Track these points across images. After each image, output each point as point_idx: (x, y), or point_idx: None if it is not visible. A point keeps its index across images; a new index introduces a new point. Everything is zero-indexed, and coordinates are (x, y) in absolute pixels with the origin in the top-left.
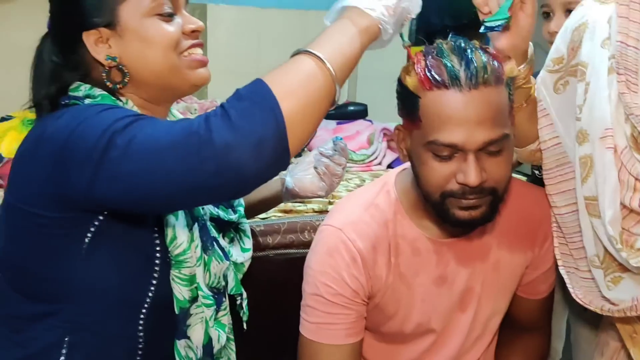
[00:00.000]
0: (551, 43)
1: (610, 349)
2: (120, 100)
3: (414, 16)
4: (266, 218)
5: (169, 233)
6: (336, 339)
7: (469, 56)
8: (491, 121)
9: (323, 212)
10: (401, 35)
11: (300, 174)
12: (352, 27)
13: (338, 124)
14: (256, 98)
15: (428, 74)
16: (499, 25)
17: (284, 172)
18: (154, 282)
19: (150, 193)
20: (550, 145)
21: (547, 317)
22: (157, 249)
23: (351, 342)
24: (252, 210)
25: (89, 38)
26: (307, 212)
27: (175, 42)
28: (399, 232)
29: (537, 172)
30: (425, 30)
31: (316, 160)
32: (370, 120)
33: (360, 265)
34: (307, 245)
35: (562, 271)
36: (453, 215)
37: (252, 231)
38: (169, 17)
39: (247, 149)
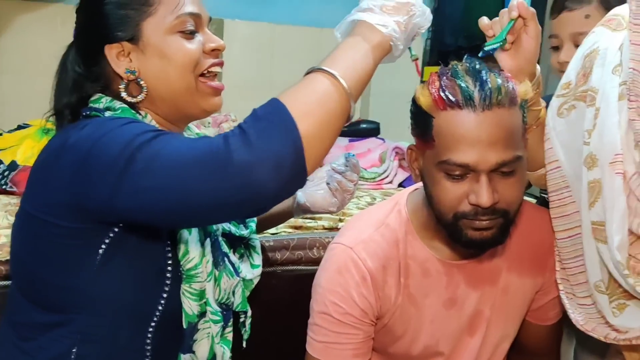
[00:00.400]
0: (562, 72)
1: None
2: (140, 114)
3: (424, 30)
4: (276, 233)
5: (182, 247)
6: (343, 358)
7: (484, 77)
8: (504, 142)
9: (333, 229)
10: (409, 49)
11: (311, 189)
12: (365, 44)
13: (350, 141)
14: (274, 118)
15: (442, 94)
16: (493, 49)
17: None
18: (165, 295)
19: (172, 208)
20: (550, 169)
21: (555, 344)
22: (169, 262)
23: None
24: (263, 225)
25: (111, 51)
26: (316, 229)
27: (194, 60)
28: (410, 252)
29: (545, 195)
30: (438, 51)
31: (328, 176)
32: (382, 139)
33: (370, 285)
34: (315, 262)
35: (562, 296)
36: (465, 236)
37: (261, 247)
38: (190, 34)
39: (266, 168)
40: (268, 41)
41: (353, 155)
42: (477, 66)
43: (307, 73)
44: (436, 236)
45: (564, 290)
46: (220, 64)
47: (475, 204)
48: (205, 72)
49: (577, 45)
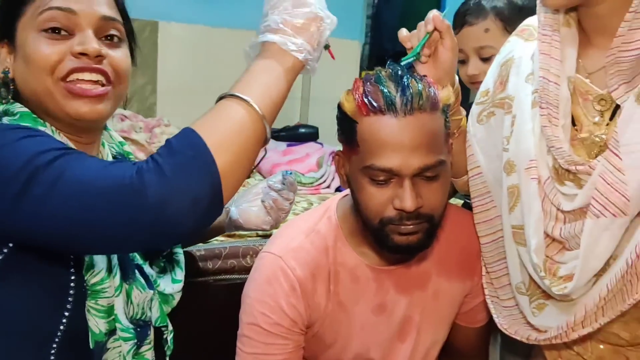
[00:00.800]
0: (472, 84)
1: None
2: (42, 119)
3: (329, 32)
4: (207, 242)
5: (86, 260)
6: None
7: (405, 83)
8: (426, 147)
9: (267, 236)
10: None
11: (245, 205)
12: (278, 66)
13: (288, 145)
14: (190, 152)
15: (365, 99)
16: (409, 62)
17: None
18: (67, 314)
19: (73, 238)
20: (471, 175)
21: (484, 345)
22: (72, 277)
23: None
24: (192, 241)
25: (1, 50)
26: (250, 237)
27: (49, 63)
28: (339, 259)
29: (469, 201)
30: (377, 56)
31: (264, 193)
32: (321, 143)
33: (300, 294)
34: (249, 270)
35: (487, 300)
36: (391, 241)
37: (192, 256)
38: (56, 33)
39: (182, 206)
40: (204, 44)
41: (291, 173)
42: (400, 72)
43: (220, 98)
44: (365, 242)
45: (489, 295)
46: (85, 70)
47: (400, 208)
48: (70, 77)
49: (481, 58)
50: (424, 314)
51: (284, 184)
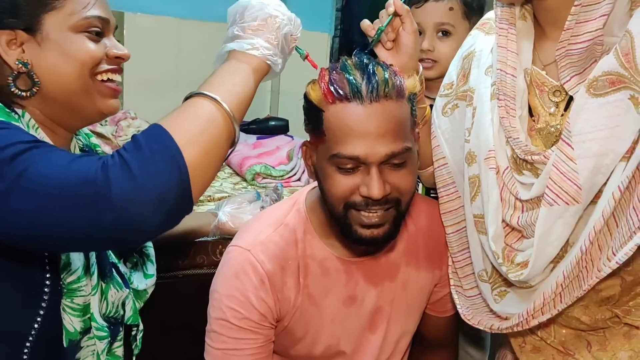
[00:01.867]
0: (420, 60)
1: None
2: (16, 113)
3: (298, 36)
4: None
5: (62, 259)
6: None
7: (371, 70)
8: (393, 134)
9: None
10: (297, 49)
11: (233, 210)
12: (243, 66)
13: (258, 138)
14: (157, 147)
15: (331, 87)
16: (372, 42)
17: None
18: (42, 312)
19: (38, 236)
20: (437, 166)
21: (454, 334)
22: (47, 275)
23: None
24: (172, 241)
25: (1, 37)
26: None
27: (95, 61)
28: (309, 251)
29: (434, 194)
30: (347, 49)
31: (264, 201)
32: (291, 136)
33: (269, 287)
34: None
35: (452, 290)
36: (355, 233)
37: (160, 249)
38: (96, 36)
39: (148, 203)
40: (173, 37)
41: (282, 185)
42: (366, 60)
43: (187, 98)
44: (334, 234)
45: (454, 285)
46: (119, 72)
47: (367, 196)
48: (103, 77)
49: (437, 33)
50: (394, 304)
51: (276, 194)
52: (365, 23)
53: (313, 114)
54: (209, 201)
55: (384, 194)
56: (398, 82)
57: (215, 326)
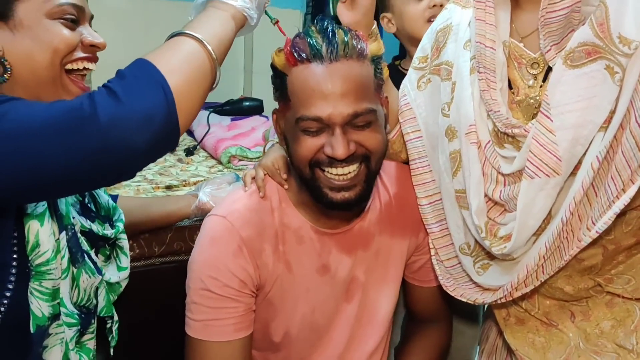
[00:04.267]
0: (430, 19)
1: (493, 333)
2: None
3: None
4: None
5: (31, 239)
6: (225, 335)
7: (330, 32)
8: (355, 94)
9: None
10: (267, 13)
11: (216, 191)
12: (222, 13)
13: (232, 119)
14: (141, 74)
15: (292, 49)
16: (334, 2)
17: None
18: (8, 294)
19: (23, 177)
20: (413, 137)
21: (444, 307)
22: (14, 256)
23: (241, 336)
24: (151, 225)
25: None
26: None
27: (69, 48)
28: (285, 220)
29: None
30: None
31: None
32: (266, 117)
33: (247, 253)
34: None
35: (433, 260)
36: (326, 196)
37: (136, 237)
38: (71, 23)
39: (135, 122)
40: (141, 17)
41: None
42: (327, 24)
43: (169, 38)
44: (307, 204)
45: (434, 254)
46: (93, 60)
47: (331, 155)
48: (76, 64)
49: None
50: (369, 273)
51: None
52: None
53: (278, 80)
54: (184, 186)
55: (348, 153)
56: (359, 44)
57: (195, 297)
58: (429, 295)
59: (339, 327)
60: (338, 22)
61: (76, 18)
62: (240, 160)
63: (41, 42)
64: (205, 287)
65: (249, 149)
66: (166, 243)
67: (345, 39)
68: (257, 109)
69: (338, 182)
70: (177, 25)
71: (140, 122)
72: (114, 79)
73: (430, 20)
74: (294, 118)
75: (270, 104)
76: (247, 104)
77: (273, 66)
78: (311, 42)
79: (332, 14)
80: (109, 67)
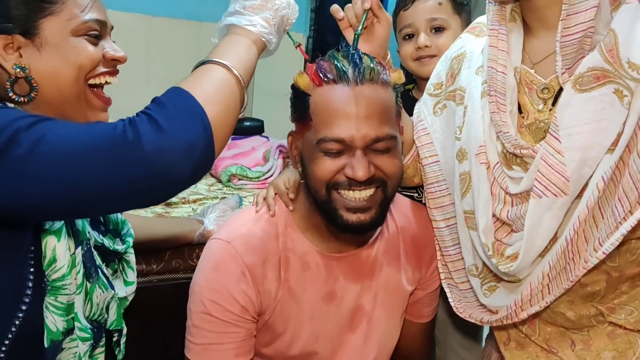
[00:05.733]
0: (417, 60)
1: (493, 356)
2: None
3: (293, 21)
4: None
5: (48, 254)
6: (225, 359)
7: (357, 57)
8: (378, 118)
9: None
10: (289, 35)
11: (219, 219)
12: (244, 39)
13: (233, 139)
14: (180, 104)
15: (318, 70)
16: (354, 40)
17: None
18: (24, 308)
19: (60, 200)
20: (431, 162)
21: (426, 346)
22: (31, 270)
23: None
24: (153, 245)
25: (10, 43)
26: None
27: (93, 64)
28: (289, 245)
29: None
30: (320, 49)
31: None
32: (266, 137)
33: (249, 279)
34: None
35: (443, 284)
36: (341, 217)
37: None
38: (96, 39)
39: (177, 152)
40: (143, 34)
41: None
42: (352, 50)
43: (198, 66)
44: (316, 228)
45: (445, 278)
46: (115, 74)
47: (351, 177)
48: (99, 79)
49: (430, 30)
50: (375, 303)
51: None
52: (334, 7)
53: (300, 101)
54: (183, 203)
55: (369, 175)
56: (383, 70)
57: (196, 320)
58: (416, 331)
59: (343, 357)
60: None
61: (99, 33)
62: (240, 179)
63: (67, 59)
64: (206, 311)
65: (249, 169)
66: (165, 260)
67: (372, 64)
68: (257, 129)
69: (354, 203)
70: (179, 43)
71: (183, 152)
72: (153, 107)
73: (418, 59)
74: (315, 138)
75: (270, 125)
76: (248, 123)
77: (295, 87)
78: (337, 64)
79: (360, 28)
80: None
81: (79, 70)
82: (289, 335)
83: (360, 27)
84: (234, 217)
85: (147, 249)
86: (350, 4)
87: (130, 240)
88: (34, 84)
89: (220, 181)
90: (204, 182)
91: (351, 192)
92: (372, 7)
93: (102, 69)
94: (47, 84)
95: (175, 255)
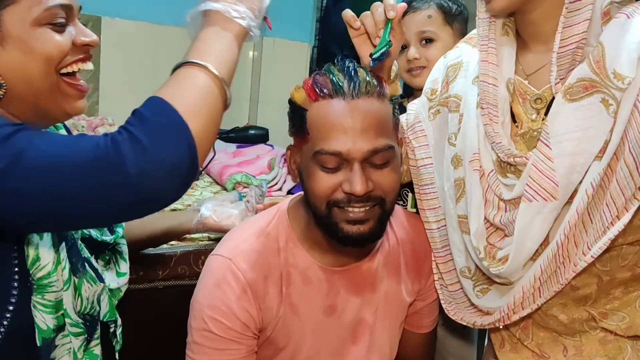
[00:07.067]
0: (409, 71)
1: (490, 358)
2: None
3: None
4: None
5: (31, 253)
6: None
7: (353, 71)
8: (374, 130)
9: (219, 239)
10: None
11: (216, 206)
12: (226, 34)
13: (238, 147)
14: (163, 120)
15: (314, 85)
16: (383, 52)
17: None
18: (11, 308)
19: (41, 215)
20: (427, 163)
21: (429, 354)
22: (16, 270)
23: None
24: (152, 242)
25: None
26: (201, 240)
27: (63, 53)
28: (291, 260)
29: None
30: (324, 60)
31: (249, 196)
32: (271, 145)
33: (251, 296)
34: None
35: (436, 285)
36: (341, 230)
37: (140, 260)
38: (61, 27)
39: (162, 172)
40: (150, 42)
41: (266, 182)
42: (348, 63)
43: (178, 67)
44: (316, 242)
45: (437, 279)
46: (88, 59)
47: (349, 192)
48: (71, 68)
49: (421, 42)
50: (377, 315)
51: (261, 196)
52: (349, 13)
53: (297, 115)
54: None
55: (367, 190)
56: (379, 82)
57: (196, 337)
58: (417, 341)
59: None
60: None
61: (65, 19)
62: (245, 187)
63: (32, 52)
64: (207, 329)
65: (254, 177)
66: (170, 267)
67: (367, 77)
68: (262, 137)
69: (353, 215)
70: (183, 51)
71: (168, 172)
72: (134, 122)
73: (409, 71)
74: (312, 151)
75: (275, 133)
76: (253, 132)
77: (292, 102)
78: (333, 79)
79: (386, 39)
80: (119, 89)
81: (48, 63)
82: (290, 349)
83: (386, 35)
84: (234, 232)
85: (152, 257)
86: (367, 12)
87: (120, 231)
88: (1, 82)
89: (225, 189)
90: (209, 189)
91: (350, 208)
92: (393, 19)
93: (73, 57)
94: (15, 80)
95: (181, 262)
